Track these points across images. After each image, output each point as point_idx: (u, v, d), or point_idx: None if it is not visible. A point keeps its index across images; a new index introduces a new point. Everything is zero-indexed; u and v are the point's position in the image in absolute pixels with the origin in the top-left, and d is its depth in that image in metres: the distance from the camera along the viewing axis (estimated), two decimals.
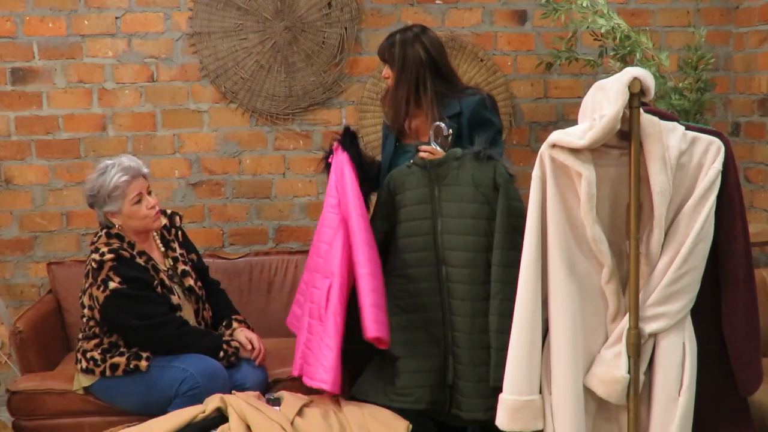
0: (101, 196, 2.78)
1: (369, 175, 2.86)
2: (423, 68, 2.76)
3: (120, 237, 2.81)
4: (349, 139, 2.77)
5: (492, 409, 2.21)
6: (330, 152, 2.80)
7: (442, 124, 2.65)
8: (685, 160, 1.94)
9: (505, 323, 2.28)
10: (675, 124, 1.95)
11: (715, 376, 2.06)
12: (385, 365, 2.69)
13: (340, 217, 2.67)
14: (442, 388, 2.64)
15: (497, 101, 2.99)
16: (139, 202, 2.80)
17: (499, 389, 2.12)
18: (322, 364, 2.61)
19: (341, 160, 2.72)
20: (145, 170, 2.85)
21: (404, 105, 2.79)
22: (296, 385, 2.95)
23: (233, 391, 2.63)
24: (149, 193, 2.85)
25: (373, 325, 2.51)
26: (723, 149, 1.96)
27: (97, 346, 2.81)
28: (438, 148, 2.66)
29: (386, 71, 2.85)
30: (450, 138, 2.66)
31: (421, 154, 2.67)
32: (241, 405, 2.45)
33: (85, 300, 2.82)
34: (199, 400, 2.59)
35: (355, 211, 2.62)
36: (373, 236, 2.66)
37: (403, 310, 2.68)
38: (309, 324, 2.71)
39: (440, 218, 2.64)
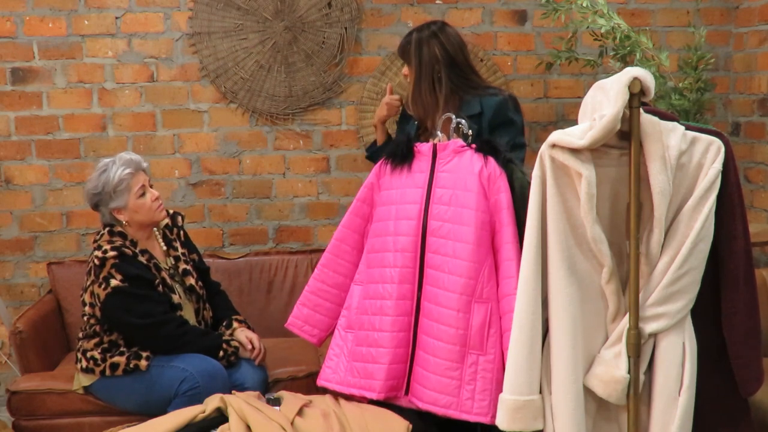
0: (106, 192, 2.79)
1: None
2: (438, 64, 2.76)
3: (122, 235, 2.82)
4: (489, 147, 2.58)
5: None
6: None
7: (462, 121, 2.57)
8: (685, 160, 1.94)
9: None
10: (675, 124, 1.95)
11: (715, 376, 2.06)
12: None
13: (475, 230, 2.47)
14: None
15: None
16: (143, 194, 2.82)
17: None
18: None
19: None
20: (145, 164, 2.89)
21: (431, 99, 2.77)
22: (296, 385, 2.96)
23: (233, 391, 2.63)
24: (151, 186, 2.87)
25: (290, 317, 2.80)
26: (723, 149, 1.96)
27: (97, 345, 2.82)
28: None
29: (405, 69, 2.86)
30: (470, 138, 2.56)
31: None
32: (241, 405, 2.45)
33: (86, 298, 2.83)
34: (199, 400, 2.59)
35: None
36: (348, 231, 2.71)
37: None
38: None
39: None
